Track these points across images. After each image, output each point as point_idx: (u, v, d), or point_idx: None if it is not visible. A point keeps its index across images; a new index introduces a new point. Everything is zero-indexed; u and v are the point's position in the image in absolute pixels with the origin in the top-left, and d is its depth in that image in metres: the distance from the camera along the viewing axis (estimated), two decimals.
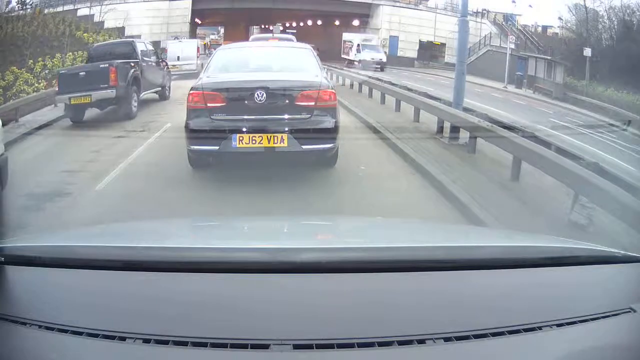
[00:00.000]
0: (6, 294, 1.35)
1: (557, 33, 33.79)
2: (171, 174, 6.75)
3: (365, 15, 35.40)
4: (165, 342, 1.13)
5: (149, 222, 3.12)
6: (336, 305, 1.26)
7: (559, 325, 1.22)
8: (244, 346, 1.12)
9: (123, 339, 1.14)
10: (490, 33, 32.17)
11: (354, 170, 6.98)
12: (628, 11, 25.95)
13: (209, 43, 31.00)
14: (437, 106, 9.88)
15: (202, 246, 1.71)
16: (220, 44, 21.23)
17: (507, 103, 20.29)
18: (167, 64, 15.84)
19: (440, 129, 9.27)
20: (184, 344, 1.12)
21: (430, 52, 35.13)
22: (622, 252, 1.58)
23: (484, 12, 34.01)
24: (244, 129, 5.88)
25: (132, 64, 12.31)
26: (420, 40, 34.88)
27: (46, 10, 25.56)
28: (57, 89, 11.81)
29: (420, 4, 35.74)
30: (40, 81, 16.72)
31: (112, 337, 1.14)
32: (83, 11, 28.50)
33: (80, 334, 1.16)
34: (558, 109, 20.55)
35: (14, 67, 16.90)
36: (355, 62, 30.80)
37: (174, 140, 7.70)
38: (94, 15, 28.55)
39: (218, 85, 6.20)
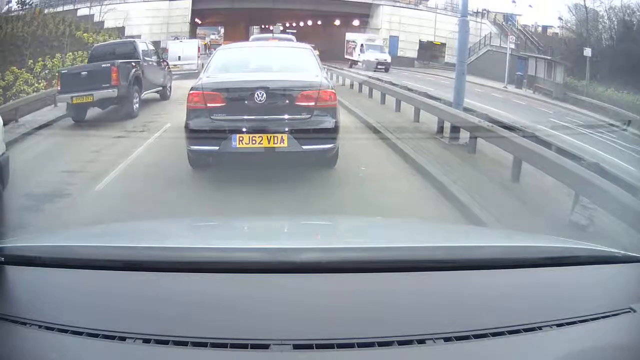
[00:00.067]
0: (6, 294, 1.35)
1: (557, 33, 33.78)
2: (171, 174, 6.75)
3: (365, 15, 35.35)
4: (165, 342, 1.13)
5: (149, 222, 3.12)
6: (336, 305, 1.26)
7: (559, 325, 1.22)
8: (244, 346, 1.12)
9: (123, 339, 1.14)
10: (490, 33, 32.15)
11: (354, 170, 6.98)
12: (628, 11, 25.96)
13: (209, 43, 30.99)
14: (437, 106, 9.88)
15: (202, 246, 1.71)
16: (220, 44, 21.23)
17: (507, 103, 20.28)
18: (168, 64, 15.92)
19: (441, 129, 9.27)
20: (184, 344, 1.12)
21: (430, 52, 35.07)
22: (622, 252, 1.58)
23: (484, 12, 33.98)
24: (244, 129, 5.88)
25: (134, 64, 12.38)
26: (420, 40, 34.82)
27: (46, 10, 25.54)
28: (58, 88, 11.86)
29: (420, 4, 35.70)
30: (40, 81, 16.70)
31: (112, 337, 1.14)
32: (83, 11, 28.47)
33: (80, 334, 1.16)
34: (558, 109, 20.55)
35: (14, 67, 16.89)
36: (359, 63, 30.30)
37: (173, 141, 7.71)
38: (94, 15, 28.52)
39: (218, 86, 6.19)
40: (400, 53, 33.97)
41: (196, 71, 17.74)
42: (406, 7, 35.00)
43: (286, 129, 5.89)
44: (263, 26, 41.16)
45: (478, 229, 3.77)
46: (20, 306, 1.30)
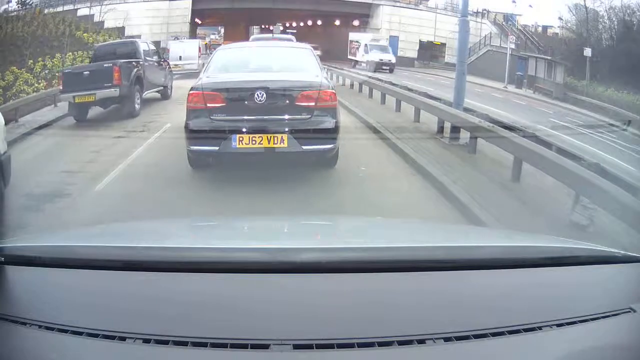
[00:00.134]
0: (6, 294, 1.35)
1: (557, 33, 33.76)
2: (171, 174, 6.75)
3: (365, 15, 35.32)
4: (165, 342, 1.13)
5: (149, 222, 3.12)
6: (336, 305, 1.26)
7: (559, 325, 1.22)
8: (244, 346, 1.12)
9: (123, 339, 1.14)
10: (491, 33, 32.14)
11: (354, 170, 6.98)
12: (628, 11, 25.95)
13: (209, 43, 31.01)
14: (437, 106, 9.88)
15: (202, 246, 1.71)
16: (220, 44, 21.29)
17: (507, 103, 20.28)
18: (169, 64, 16.00)
19: (441, 129, 9.27)
20: (184, 344, 1.12)
21: (430, 52, 35.03)
22: (622, 252, 1.58)
23: (484, 12, 33.96)
24: (244, 130, 5.87)
25: (135, 64, 12.45)
26: (420, 40, 34.78)
27: (46, 10, 25.53)
28: (60, 88, 11.92)
29: (420, 4, 35.68)
30: (40, 81, 16.70)
31: (112, 337, 1.14)
32: (83, 11, 28.45)
33: (80, 334, 1.16)
34: (558, 109, 20.55)
35: (14, 67, 16.88)
36: (363, 63, 29.74)
37: (173, 141, 7.70)
38: (94, 15, 28.51)
39: (218, 86, 6.19)
40: (400, 53, 33.91)
41: (197, 71, 17.75)
42: (406, 7, 34.98)
43: (286, 129, 5.89)
44: (263, 26, 41.15)
45: (478, 229, 3.77)
46: (20, 306, 1.30)
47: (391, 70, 28.39)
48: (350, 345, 1.12)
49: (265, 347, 1.11)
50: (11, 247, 1.58)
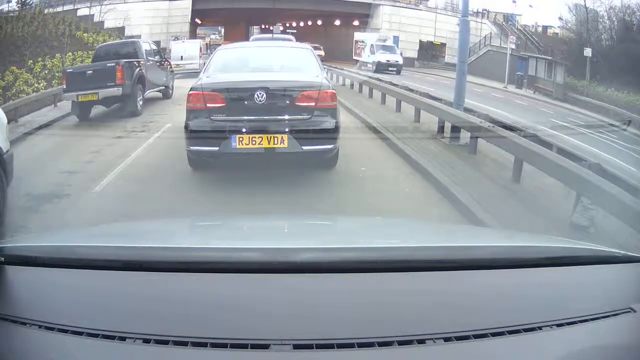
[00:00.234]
0: (6, 294, 1.35)
1: (558, 33, 33.77)
2: (170, 174, 6.75)
3: (365, 15, 35.31)
4: (165, 342, 1.13)
5: (149, 222, 3.12)
6: (336, 305, 1.26)
7: (559, 325, 1.22)
8: (244, 346, 1.11)
9: (123, 339, 1.14)
10: (491, 33, 32.16)
11: (354, 170, 6.98)
12: (628, 11, 25.96)
13: (209, 43, 31.04)
14: (438, 106, 9.88)
15: (202, 246, 1.71)
16: (220, 44, 21.39)
17: (507, 103, 20.29)
18: (170, 64, 16.09)
19: (441, 129, 9.27)
20: (184, 344, 1.12)
21: (430, 52, 35.03)
22: (622, 252, 1.58)
23: (484, 12, 33.99)
24: (244, 130, 5.86)
25: (138, 64, 12.56)
26: (420, 41, 34.78)
27: (46, 10, 25.53)
28: (64, 86, 12.01)
29: (420, 4, 35.69)
30: (40, 81, 16.69)
31: (112, 337, 1.14)
32: (83, 11, 28.47)
33: (80, 334, 1.16)
34: (558, 109, 20.57)
35: (14, 67, 16.85)
36: (369, 64, 28.89)
37: (173, 141, 7.71)
38: (94, 15, 28.52)
39: (218, 86, 6.18)
40: None
41: (198, 71, 17.83)
42: (406, 7, 34.99)
43: (286, 130, 5.88)
44: (263, 26, 41.19)
45: (478, 229, 3.77)
46: (20, 306, 1.30)
47: (398, 72, 27.61)
48: (350, 345, 1.12)
49: (265, 347, 1.11)
50: (11, 247, 1.58)
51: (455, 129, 8.67)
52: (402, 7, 34.86)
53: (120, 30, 28.26)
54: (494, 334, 1.17)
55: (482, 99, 18.31)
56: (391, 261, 1.46)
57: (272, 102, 5.98)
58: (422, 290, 1.35)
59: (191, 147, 6.26)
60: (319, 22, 40.45)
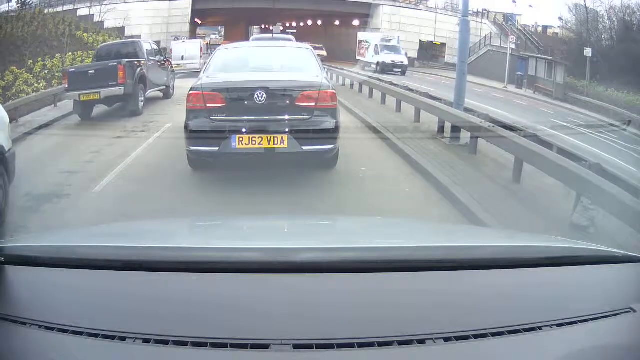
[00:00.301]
0: (6, 294, 1.35)
1: (558, 33, 33.78)
2: (170, 174, 6.75)
3: (365, 15, 35.33)
4: (165, 342, 1.13)
5: (149, 222, 3.12)
6: (336, 305, 1.26)
7: (559, 325, 1.22)
8: (244, 346, 1.11)
9: (123, 339, 1.14)
10: (491, 33, 32.17)
11: (354, 170, 6.98)
12: (628, 11, 25.96)
13: (209, 43, 31.07)
14: (438, 106, 9.88)
15: (202, 246, 1.71)
16: (220, 44, 21.44)
17: (507, 103, 20.29)
18: (171, 64, 16.16)
19: (441, 129, 9.27)
20: (184, 344, 1.12)
21: (430, 52, 35.03)
22: (622, 252, 1.58)
23: (484, 12, 34.00)
24: (244, 130, 5.86)
25: (139, 63, 12.62)
26: (420, 41, 34.78)
27: (46, 10, 25.53)
28: (66, 86, 12.06)
29: (420, 4, 35.70)
30: (40, 81, 16.69)
31: (112, 337, 1.14)
32: (83, 11, 28.49)
33: (80, 334, 1.16)
34: (559, 109, 20.57)
35: (14, 67, 16.84)
36: (373, 65, 28.33)
37: (173, 141, 7.70)
38: (94, 15, 28.54)
39: (218, 86, 6.18)
40: None
41: (199, 70, 17.85)
42: (406, 7, 35.01)
43: (286, 130, 5.88)
44: (263, 26, 41.20)
45: (478, 229, 3.77)
46: (20, 306, 1.30)
47: (403, 73, 27.15)
48: (350, 345, 1.12)
49: (265, 347, 1.11)
50: (11, 247, 1.58)
51: (456, 129, 8.67)
52: (402, 7, 34.88)
53: (120, 30, 28.27)
54: (494, 334, 1.17)
55: (482, 99, 18.31)
56: (391, 261, 1.46)
57: (272, 102, 5.97)
58: (422, 290, 1.35)
59: (191, 147, 6.25)
60: (319, 22, 40.46)
